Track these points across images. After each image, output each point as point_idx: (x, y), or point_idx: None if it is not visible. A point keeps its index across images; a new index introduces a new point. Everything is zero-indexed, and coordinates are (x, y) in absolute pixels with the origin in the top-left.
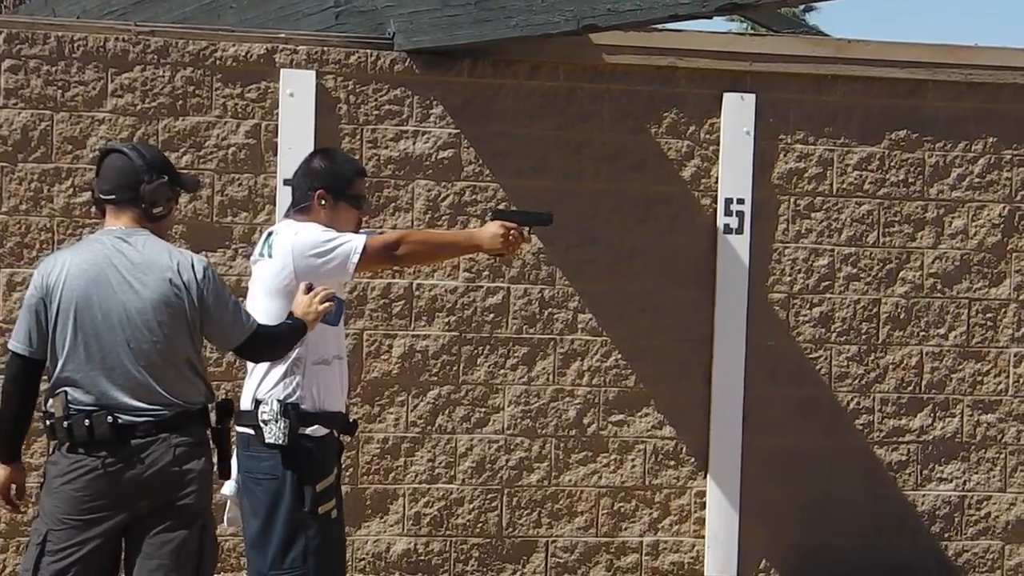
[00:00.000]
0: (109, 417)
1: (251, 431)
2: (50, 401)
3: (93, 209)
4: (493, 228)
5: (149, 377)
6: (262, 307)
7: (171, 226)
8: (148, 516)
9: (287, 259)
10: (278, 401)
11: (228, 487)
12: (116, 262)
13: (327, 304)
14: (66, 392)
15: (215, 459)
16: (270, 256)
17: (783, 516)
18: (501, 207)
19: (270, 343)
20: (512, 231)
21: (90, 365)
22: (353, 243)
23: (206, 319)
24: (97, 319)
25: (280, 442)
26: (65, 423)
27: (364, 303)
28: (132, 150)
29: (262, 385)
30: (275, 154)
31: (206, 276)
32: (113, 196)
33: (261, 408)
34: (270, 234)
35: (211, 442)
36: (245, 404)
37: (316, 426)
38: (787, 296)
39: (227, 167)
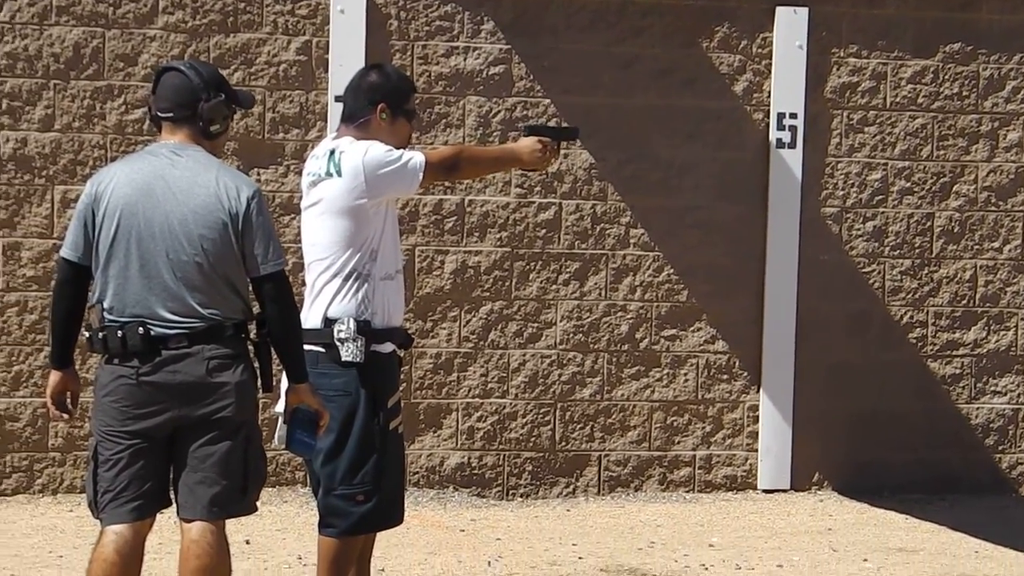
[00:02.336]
0: (141, 328)
1: (321, 349)
2: (89, 313)
3: (147, 125)
4: (529, 143)
5: (184, 289)
6: (329, 227)
7: (225, 143)
8: (189, 430)
9: (359, 177)
10: (354, 320)
11: (280, 405)
12: (165, 174)
13: None
14: (102, 304)
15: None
16: (338, 175)
17: (836, 430)
18: (531, 123)
19: (284, 294)
20: (548, 145)
21: (129, 272)
22: (416, 159)
23: (244, 241)
24: (140, 227)
25: (358, 360)
26: (100, 334)
27: (416, 219)
28: (190, 68)
29: (333, 304)
30: (326, 71)
31: (253, 199)
32: (171, 114)
33: (337, 327)
34: (332, 152)
35: (251, 355)
36: (313, 322)
37: (387, 343)
38: (840, 210)
39: (278, 84)
